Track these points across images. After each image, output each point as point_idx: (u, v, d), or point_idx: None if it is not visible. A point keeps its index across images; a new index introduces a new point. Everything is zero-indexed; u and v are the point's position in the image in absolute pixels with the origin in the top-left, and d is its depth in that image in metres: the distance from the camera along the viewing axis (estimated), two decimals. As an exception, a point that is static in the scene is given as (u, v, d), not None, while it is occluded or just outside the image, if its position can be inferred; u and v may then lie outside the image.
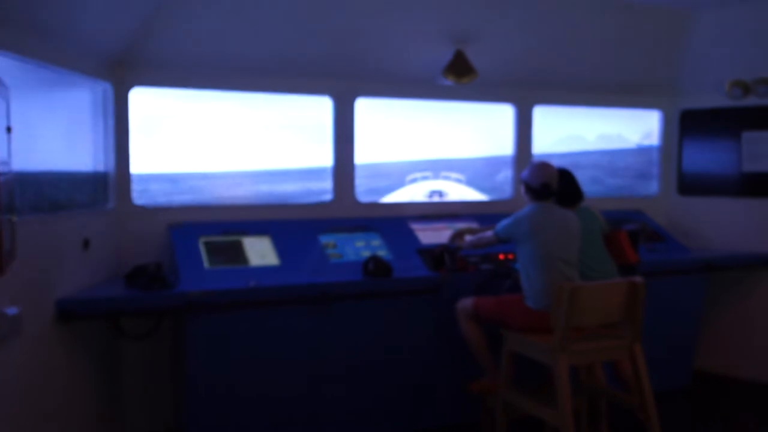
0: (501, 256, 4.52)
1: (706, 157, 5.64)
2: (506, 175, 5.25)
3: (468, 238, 4.29)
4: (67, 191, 3.69)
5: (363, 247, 4.46)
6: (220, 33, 4.20)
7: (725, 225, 5.50)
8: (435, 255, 4.33)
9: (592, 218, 4.14)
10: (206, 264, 4.00)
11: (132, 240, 4.21)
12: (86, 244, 3.69)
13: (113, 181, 4.15)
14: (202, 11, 4.02)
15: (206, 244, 4.14)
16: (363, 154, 4.97)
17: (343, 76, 4.74)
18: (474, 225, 4.85)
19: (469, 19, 4.68)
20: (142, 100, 4.32)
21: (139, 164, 4.28)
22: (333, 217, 4.71)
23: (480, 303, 3.93)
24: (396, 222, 4.81)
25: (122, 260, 4.09)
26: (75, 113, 3.80)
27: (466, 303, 3.99)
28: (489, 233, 4.04)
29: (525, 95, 5.36)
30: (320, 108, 4.82)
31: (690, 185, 5.74)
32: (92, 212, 3.90)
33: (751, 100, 5.33)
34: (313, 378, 4.00)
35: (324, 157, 4.85)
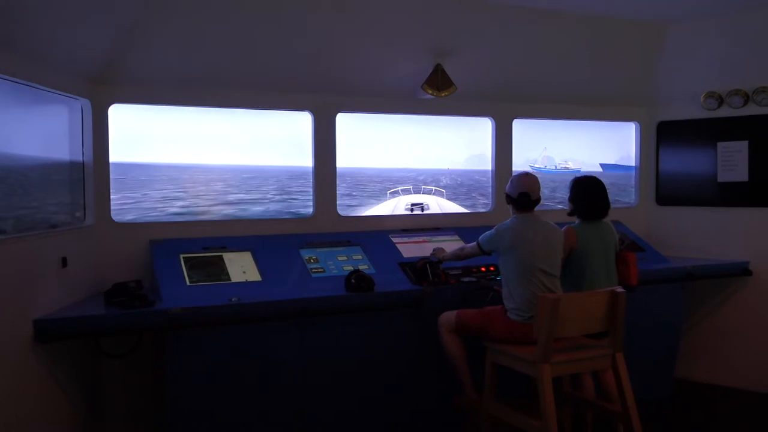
0: (483, 269, 4.53)
1: (683, 167, 5.71)
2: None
3: (449, 249, 4.31)
4: (44, 208, 3.65)
5: (345, 261, 4.45)
6: (199, 50, 4.19)
7: (702, 234, 5.57)
8: (417, 268, 4.33)
9: (612, 235, 4.18)
10: (187, 280, 3.97)
11: (111, 257, 4.17)
12: (64, 262, 3.65)
13: (92, 197, 4.11)
14: (180, 28, 4.02)
15: (187, 260, 4.11)
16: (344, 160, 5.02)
17: (323, 91, 4.75)
18: (455, 241, 4.87)
19: (447, 33, 4.73)
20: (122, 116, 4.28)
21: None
22: (314, 232, 4.70)
23: (463, 315, 3.94)
24: (377, 236, 4.81)
25: (101, 278, 4.04)
26: (53, 130, 3.76)
27: (448, 315, 4.00)
28: (472, 244, 4.06)
29: (504, 109, 5.40)
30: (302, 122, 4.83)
31: (667, 195, 5.81)
32: (70, 230, 3.86)
33: (725, 111, 5.42)
34: (297, 393, 3.97)
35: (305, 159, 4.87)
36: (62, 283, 3.65)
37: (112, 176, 4.25)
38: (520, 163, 5.51)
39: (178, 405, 3.73)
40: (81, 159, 4.02)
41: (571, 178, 4.28)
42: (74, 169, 3.96)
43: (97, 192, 4.15)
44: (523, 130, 5.52)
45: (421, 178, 5.31)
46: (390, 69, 4.83)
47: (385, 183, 5.17)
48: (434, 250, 4.40)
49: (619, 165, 5.85)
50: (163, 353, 3.77)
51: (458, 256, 4.21)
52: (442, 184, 5.35)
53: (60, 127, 3.84)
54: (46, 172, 3.63)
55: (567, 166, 5.63)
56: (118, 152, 4.27)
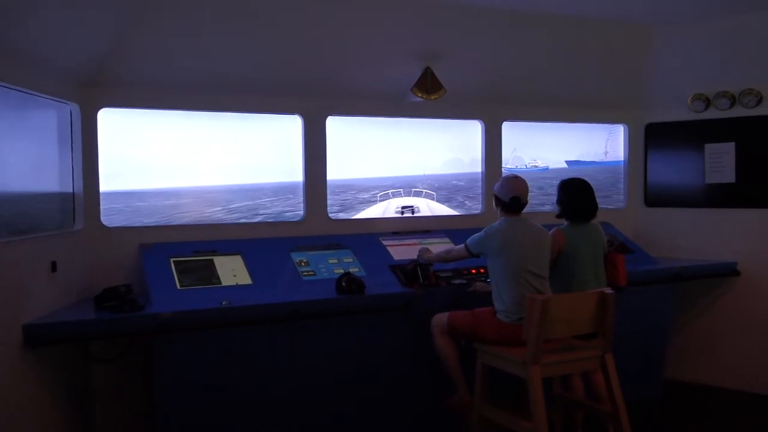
0: (473, 271, 4.55)
1: (671, 169, 5.76)
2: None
3: (435, 250, 4.32)
4: (33, 213, 3.64)
5: (335, 264, 4.45)
6: (188, 54, 4.19)
7: (691, 235, 5.61)
8: (408, 271, 4.34)
9: (600, 236, 4.20)
10: (177, 284, 3.96)
11: (101, 261, 4.16)
12: (54, 266, 3.63)
13: (81, 202, 4.10)
14: (170, 32, 4.01)
15: (177, 264, 4.10)
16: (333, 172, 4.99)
17: (313, 94, 4.76)
18: (446, 243, 4.88)
19: (437, 36, 4.74)
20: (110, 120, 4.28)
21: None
22: (305, 235, 4.71)
23: (454, 317, 3.95)
24: (368, 238, 4.81)
25: (91, 282, 4.03)
26: (42, 134, 3.75)
27: (441, 317, 4.01)
28: (459, 247, 4.08)
29: (493, 111, 5.42)
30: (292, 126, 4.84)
31: (656, 197, 5.85)
32: (60, 234, 3.85)
33: (712, 113, 5.47)
34: (288, 397, 3.97)
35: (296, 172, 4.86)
36: (52, 288, 3.64)
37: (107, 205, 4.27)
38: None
39: (168, 409, 3.72)
40: (70, 163, 4.02)
41: (539, 175, 4.30)
42: (63, 172, 3.95)
43: (87, 196, 4.13)
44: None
45: (398, 186, 5.28)
46: (380, 72, 4.84)
47: (347, 193, 5.10)
48: (420, 250, 4.41)
49: (581, 161, 5.92)
50: (153, 357, 3.76)
51: (444, 258, 4.22)
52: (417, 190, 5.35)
53: (49, 131, 3.83)
54: (35, 176, 3.62)
55: (536, 164, 5.73)
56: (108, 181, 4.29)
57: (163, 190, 4.49)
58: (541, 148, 5.82)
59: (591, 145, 6.01)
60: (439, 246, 4.72)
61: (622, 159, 6.01)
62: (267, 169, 4.81)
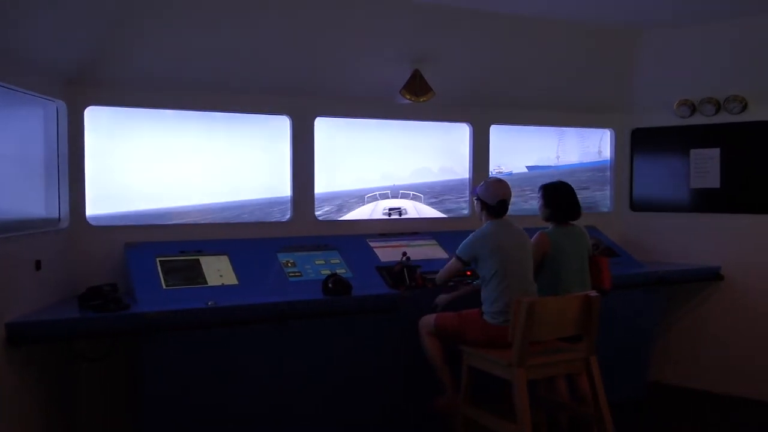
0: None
1: (657, 174, 5.80)
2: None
3: (426, 254, 4.32)
4: (18, 210, 3.60)
5: (322, 265, 4.44)
6: (176, 52, 4.18)
7: (675, 240, 5.66)
8: (394, 272, 4.35)
9: (585, 239, 4.22)
10: (163, 284, 3.94)
11: (86, 260, 4.13)
12: (38, 265, 3.61)
13: (66, 200, 4.07)
14: (158, 30, 4.00)
15: (163, 263, 4.08)
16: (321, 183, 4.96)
17: (302, 95, 4.75)
18: (433, 245, 4.88)
19: (426, 39, 4.75)
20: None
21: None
22: (292, 236, 4.70)
23: (441, 318, 3.96)
24: (355, 240, 4.81)
25: (76, 281, 4.00)
26: (27, 131, 3.72)
27: (428, 318, 4.02)
28: (451, 261, 4.05)
29: (481, 114, 5.44)
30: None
31: (641, 201, 5.89)
32: (45, 232, 3.82)
33: (697, 119, 5.52)
34: (274, 398, 3.96)
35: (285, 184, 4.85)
36: (36, 286, 3.61)
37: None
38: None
39: (152, 409, 3.70)
40: (56, 161, 3.99)
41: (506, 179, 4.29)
42: (49, 169, 3.92)
43: (72, 194, 4.11)
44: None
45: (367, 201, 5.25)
46: (369, 74, 4.84)
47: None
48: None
49: (539, 166, 5.96)
50: (138, 357, 3.74)
51: (446, 278, 4.12)
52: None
53: (34, 128, 3.80)
54: (20, 172, 3.59)
55: (500, 170, 5.78)
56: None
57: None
58: (500, 155, 5.81)
59: (545, 151, 6.03)
60: (426, 248, 4.72)
61: (573, 163, 6.04)
62: (252, 185, 4.81)
